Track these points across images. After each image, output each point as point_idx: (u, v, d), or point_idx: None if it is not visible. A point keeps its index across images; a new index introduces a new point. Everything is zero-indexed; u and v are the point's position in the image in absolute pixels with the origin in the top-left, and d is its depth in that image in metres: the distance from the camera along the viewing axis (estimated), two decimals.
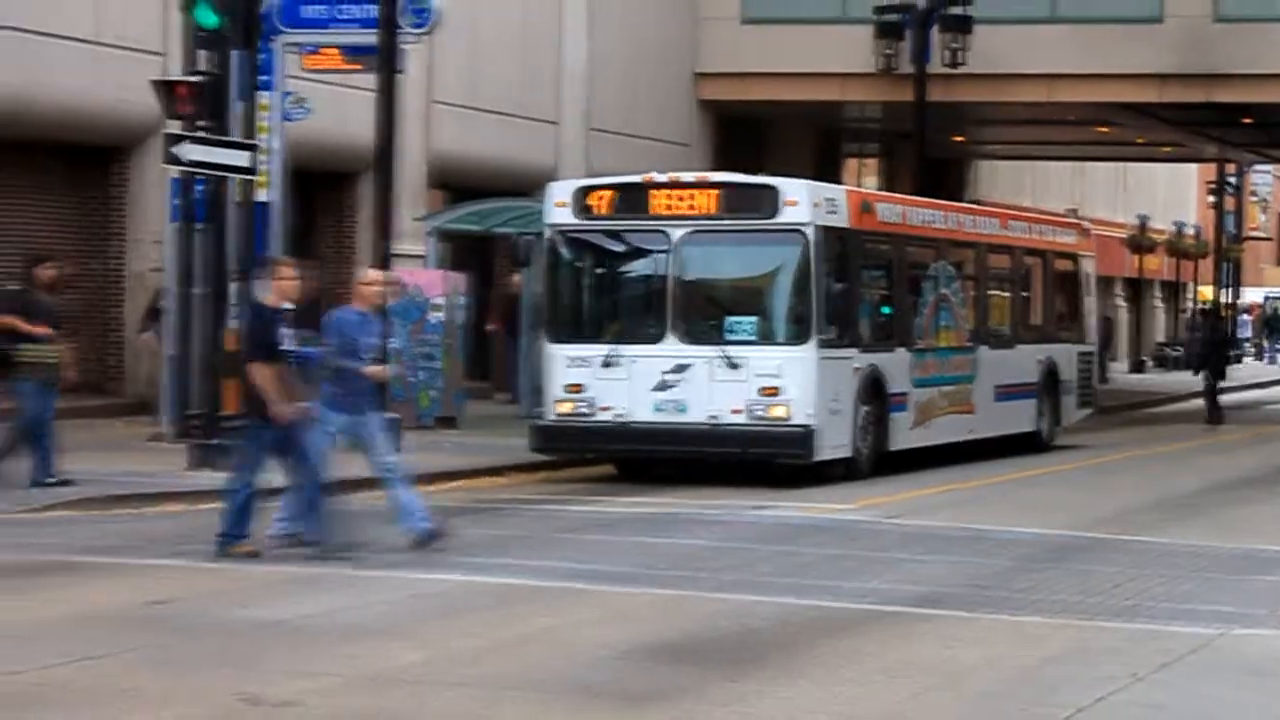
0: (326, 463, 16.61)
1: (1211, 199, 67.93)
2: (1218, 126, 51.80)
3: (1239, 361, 64.84)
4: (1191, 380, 51.30)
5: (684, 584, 15.14)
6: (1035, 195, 53.39)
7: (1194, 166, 68.15)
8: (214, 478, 20.93)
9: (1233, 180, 66.53)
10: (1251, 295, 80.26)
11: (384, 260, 27.41)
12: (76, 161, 31.28)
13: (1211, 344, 45.62)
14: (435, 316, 31.36)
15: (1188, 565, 17.16)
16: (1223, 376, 42.80)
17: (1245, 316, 77.06)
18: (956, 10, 39.69)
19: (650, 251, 25.46)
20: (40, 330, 21.10)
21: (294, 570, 15.49)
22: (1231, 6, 41.08)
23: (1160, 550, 18.11)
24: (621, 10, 43.47)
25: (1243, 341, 73.84)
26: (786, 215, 24.33)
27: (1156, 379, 55.46)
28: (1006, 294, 32.41)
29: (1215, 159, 62.88)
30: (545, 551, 17.92)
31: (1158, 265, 67.76)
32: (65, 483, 20.54)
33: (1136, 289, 65.25)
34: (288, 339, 16.57)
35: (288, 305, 16.93)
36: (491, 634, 12.71)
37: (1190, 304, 70.73)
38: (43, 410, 20.97)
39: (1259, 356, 79.03)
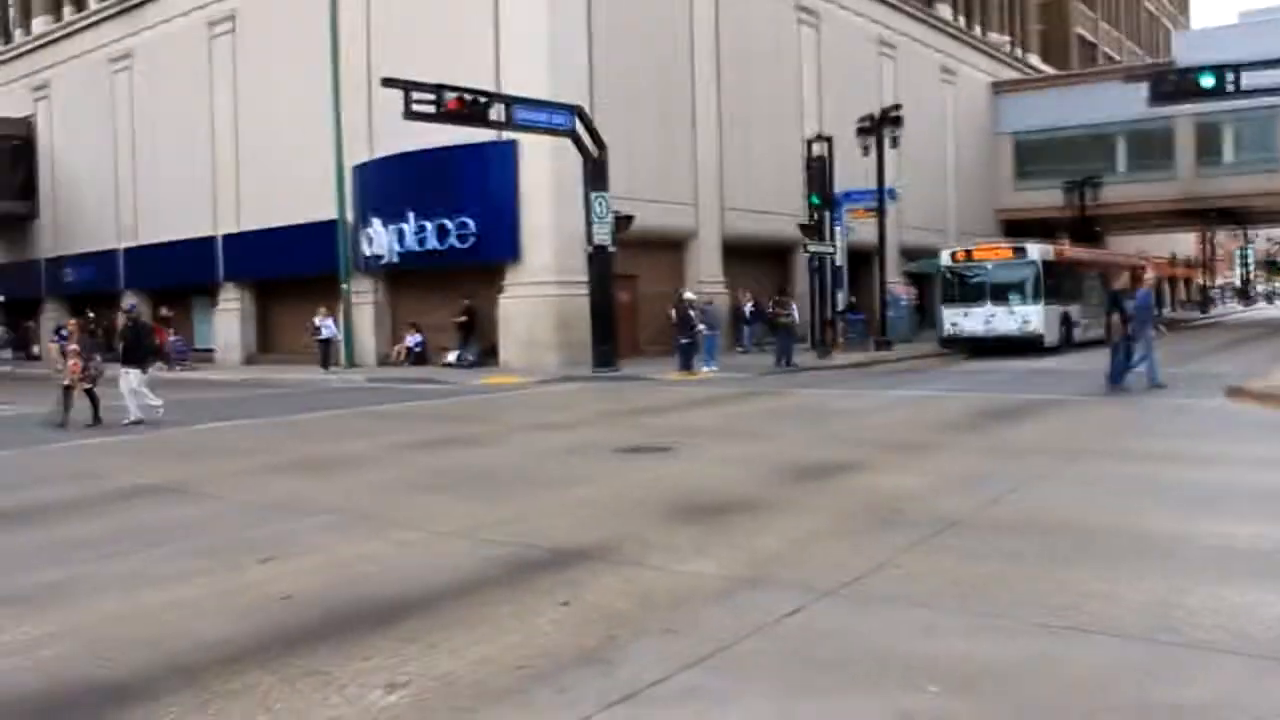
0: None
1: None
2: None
3: None
4: None
5: (990, 389, 17.85)
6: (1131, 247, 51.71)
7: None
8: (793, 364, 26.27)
9: None
10: None
11: (882, 286, 31.18)
12: (772, 255, 33.62)
13: None
14: (902, 302, 34.18)
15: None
16: None
17: None
18: (1095, 180, 42.77)
19: (978, 272, 28.32)
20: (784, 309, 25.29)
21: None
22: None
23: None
24: (966, 186, 44.40)
25: None
26: (1030, 256, 27.75)
27: None
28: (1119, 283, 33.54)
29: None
30: (943, 381, 20.32)
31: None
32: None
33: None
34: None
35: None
36: (913, 413, 14.93)
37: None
38: (786, 346, 24.66)
39: None
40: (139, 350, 16.60)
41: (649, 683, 4.50)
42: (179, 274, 35.85)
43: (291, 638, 5.30)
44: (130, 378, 16.29)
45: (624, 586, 6.01)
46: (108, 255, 38.67)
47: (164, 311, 35.44)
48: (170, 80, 35.86)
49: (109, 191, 38.53)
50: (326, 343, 28.48)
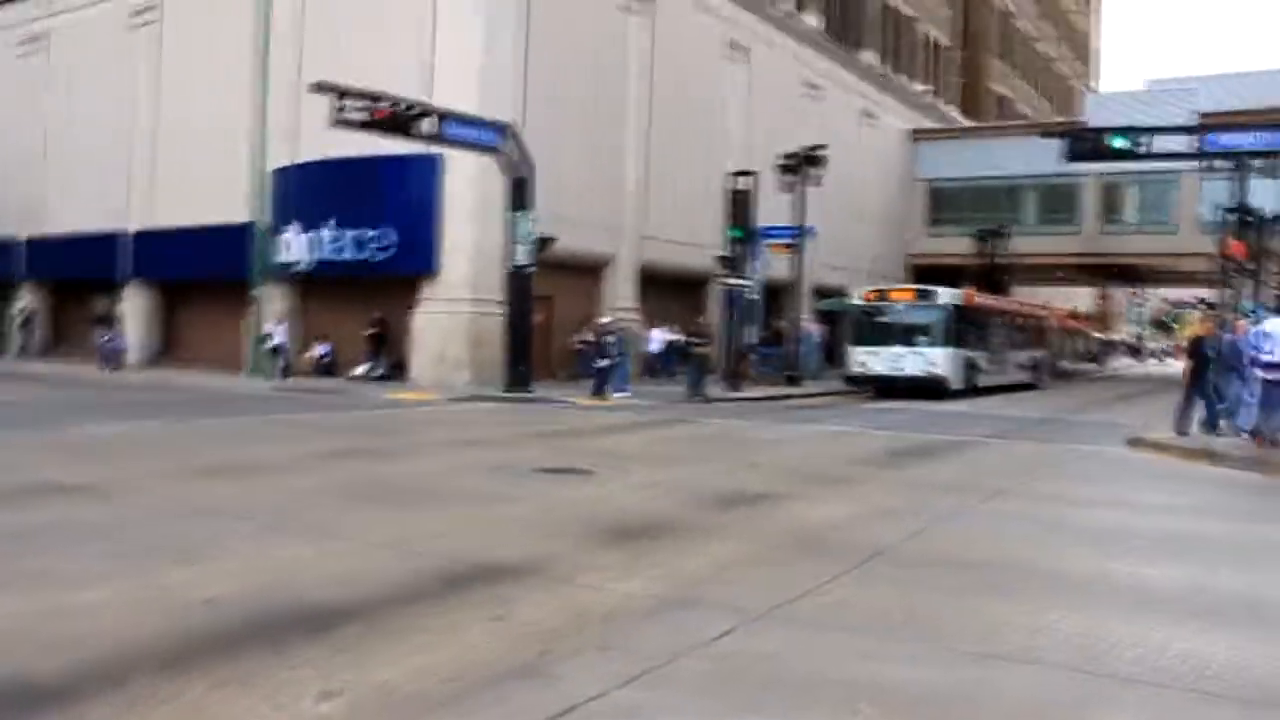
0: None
1: None
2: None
3: None
4: None
5: (900, 428, 18.36)
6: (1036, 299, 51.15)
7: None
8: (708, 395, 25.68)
9: None
10: None
11: (794, 323, 31.15)
12: (686, 286, 33.63)
13: None
14: (813, 339, 33.15)
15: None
16: None
17: None
18: (1005, 230, 42.87)
19: (889, 313, 28.64)
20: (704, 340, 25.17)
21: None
22: None
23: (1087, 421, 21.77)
24: (880, 229, 44.89)
25: None
26: (940, 300, 28.27)
27: None
28: (1023, 332, 35.17)
29: None
30: (856, 418, 20.63)
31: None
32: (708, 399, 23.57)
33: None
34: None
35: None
36: (828, 448, 15.26)
37: None
38: (699, 376, 24.43)
39: None
40: None
41: (587, 698, 4.48)
42: (81, 268, 34.84)
43: (218, 643, 5.14)
44: None
45: (556, 603, 5.99)
46: (6, 244, 37.35)
47: (99, 309, 34.13)
48: (87, 68, 34.97)
49: (12, 178, 37.15)
50: (276, 350, 27.34)
